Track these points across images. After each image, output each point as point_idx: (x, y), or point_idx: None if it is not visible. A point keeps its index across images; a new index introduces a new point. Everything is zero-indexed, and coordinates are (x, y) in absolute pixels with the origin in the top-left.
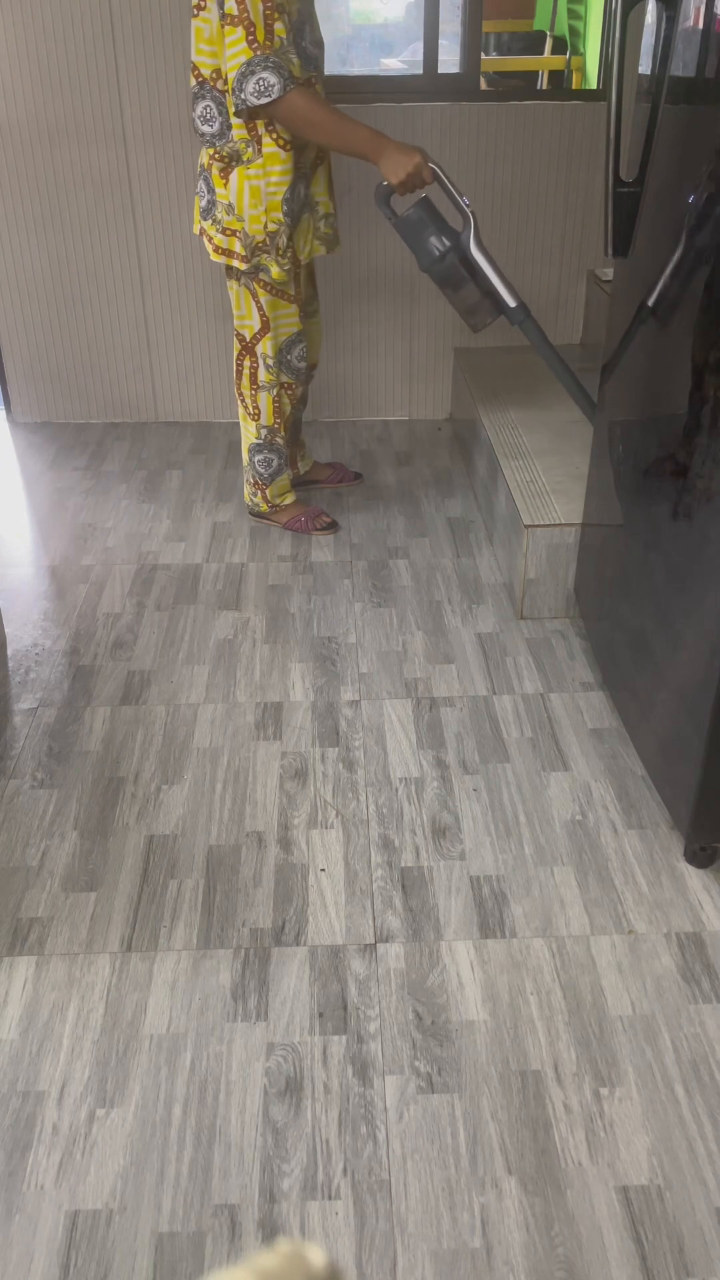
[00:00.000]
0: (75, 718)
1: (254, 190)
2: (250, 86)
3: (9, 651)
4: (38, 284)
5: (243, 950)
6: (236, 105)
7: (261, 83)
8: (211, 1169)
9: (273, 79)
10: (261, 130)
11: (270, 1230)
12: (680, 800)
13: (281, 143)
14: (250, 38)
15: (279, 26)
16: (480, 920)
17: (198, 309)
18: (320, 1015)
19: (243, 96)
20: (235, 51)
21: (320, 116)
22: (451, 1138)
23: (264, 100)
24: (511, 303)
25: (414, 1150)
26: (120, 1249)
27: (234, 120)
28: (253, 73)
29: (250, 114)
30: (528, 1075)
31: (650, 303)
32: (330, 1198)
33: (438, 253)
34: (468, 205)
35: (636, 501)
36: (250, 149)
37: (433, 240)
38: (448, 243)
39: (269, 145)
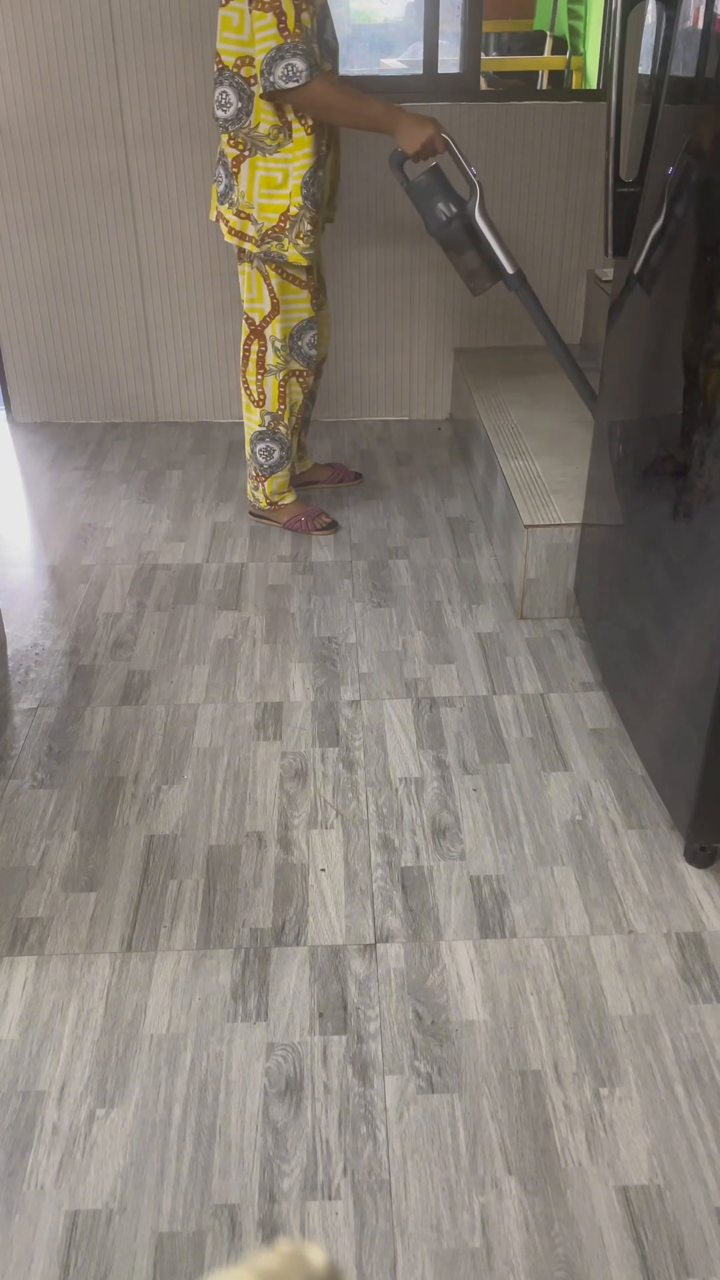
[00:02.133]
0: (75, 718)
1: (268, 179)
2: (280, 71)
3: (9, 651)
4: (38, 284)
5: (243, 950)
6: (265, 88)
7: (290, 68)
8: (211, 1169)
9: (301, 65)
10: (291, 117)
11: (270, 1230)
12: (680, 800)
13: (307, 129)
14: (281, 25)
15: (305, 16)
16: (480, 920)
17: (198, 309)
18: (320, 1015)
19: (272, 80)
20: (265, 36)
21: (339, 100)
22: (451, 1138)
23: (291, 85)
24: (510, 270)
25: (414, 1150)
26: (120, 1249)
27: (263, 107)
28: (282, 58)
29: (272, 97)
30: (528, 1075)
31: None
32: (330, 1198)
33: (445, 218)
34: (475, 175)
35: (636, 501)
36: (281, 134)
37: (440, 206)
38: (454, 209)
39: (299, 131)
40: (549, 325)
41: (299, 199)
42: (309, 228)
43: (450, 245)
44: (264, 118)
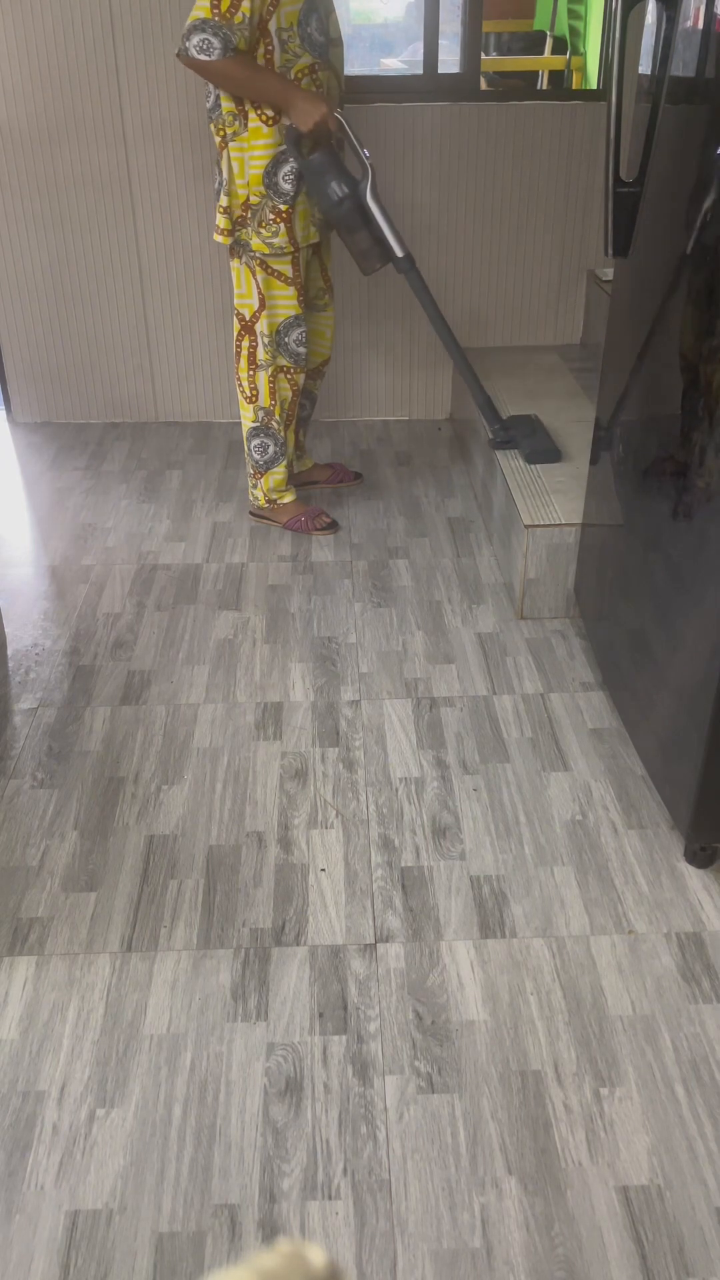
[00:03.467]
0: (75, 718)
1: (239, 164)
2: (195, 40)
3: (9, 651)
4: (38, 284)
5: (243, 950)
6: (179, 50)
7: (205, 42)
8: (211, 1169)
9: (216, 43)
10: (247, 105)
11: (270, 1230)
12: (680, 800)
13: (265, 119)
14: (214, 3)
15: (245, 5)
16: (480, 920)
17: (198, 309)
18: (320, 1015)
19: (186, 46)
20: (199, 7)
21: (239, 74)
22: (451, 1138)
23: (202, 57)
24: (399, 253)
25: (414, 1150)
26: (120, 1249)
27: (224, 95)
28: (202, 30)
29: (186, 62)
30: (528, 1075)
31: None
32: (330, 1198)
33: (336, 197)
34: (368, 158)
35: (636, 501)
36: (237, 123)
37: (333, 185)
38: (346, 189)
39: (253, 120)
40: (436, 310)
41: (259, 188)
42: (271, 217)
43: (342, 225)
44: (226, 105)
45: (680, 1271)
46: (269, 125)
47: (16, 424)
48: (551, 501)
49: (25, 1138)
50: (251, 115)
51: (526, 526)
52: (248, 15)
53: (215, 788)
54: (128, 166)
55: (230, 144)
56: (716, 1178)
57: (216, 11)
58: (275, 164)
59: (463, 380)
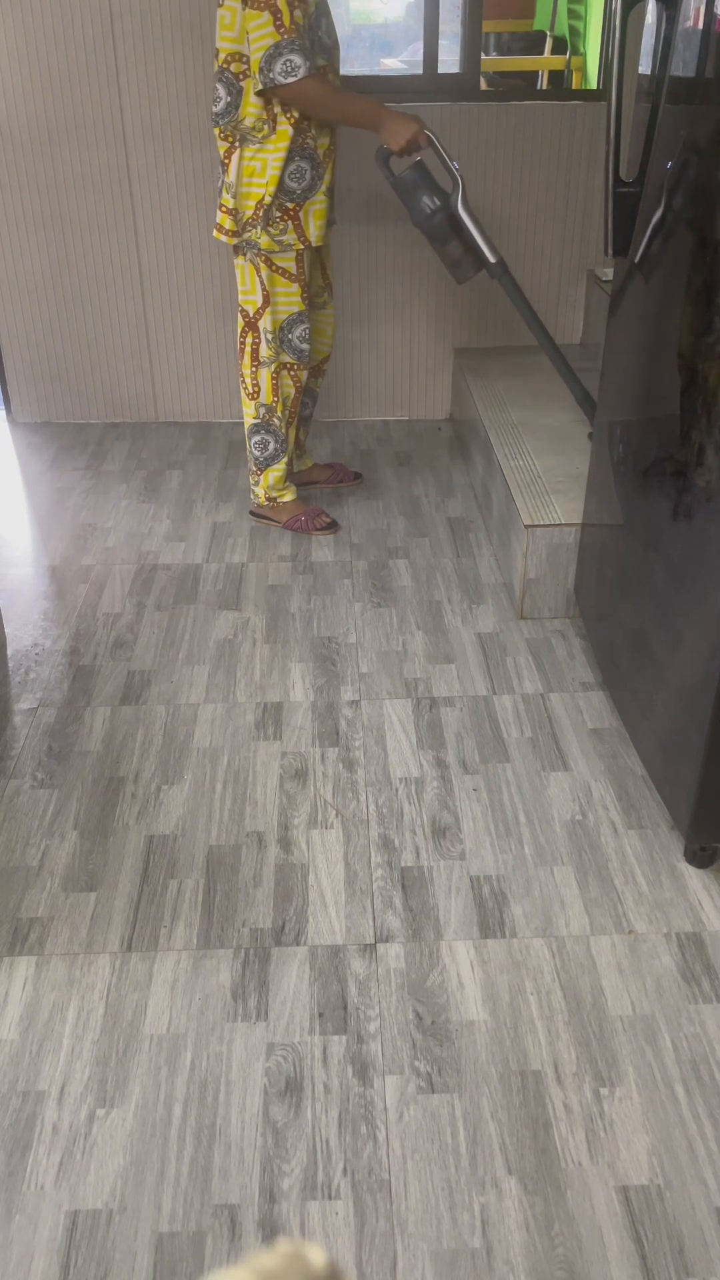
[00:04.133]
0: (75, 718)
1: (250, 168)
2: (279, 66)
3: (9, 651)
4: (38, 284)
5: (243, 950)
6: (264, 84)
7: (289, 64)
8: (211, 1169)
9: (299, 60)
10: (277, 109)
11: (270, 1230)
12: (680, 800)
13: (292, 121)
14: (277, 22)
15: (297, 14)
16: (480, 920)
17: (198, 309)
18: (320, 1015)
19: (271, 76)
20: (262, 34)
21: (328, 96)
22: (451, 1138)
23: (289, 79)
24: (492, 259)
25: (414, 1150)
26: (120, 1249)
27: (251, 99)
28: (280, 54)
29: (269, 92)
30: (528, 1075)
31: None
32: (330, 1198)
33: (429, 210)
34: (457, 170)
35: (636, 501)
36: (265, 127)
37: (425, 199)
38: (438, 202)
39: (283, 124)
40: (531, 312)
41: (273, 188)
42: (278, 215)
43: (434, 236)
44: (250, 111)
45: (680, 1271)
46: (294, 128)
47: (16, 424)
48: (551, 501)
49: (25, 1138)
50: (281, 119)
51: (526, 526)
52: (300, 23)
53: (215, 788)
54: (128, 166)
55: (255, 146)
56: (716, 1178)
57: (281, 29)
58: (289, 163)
59: (561, 378)
